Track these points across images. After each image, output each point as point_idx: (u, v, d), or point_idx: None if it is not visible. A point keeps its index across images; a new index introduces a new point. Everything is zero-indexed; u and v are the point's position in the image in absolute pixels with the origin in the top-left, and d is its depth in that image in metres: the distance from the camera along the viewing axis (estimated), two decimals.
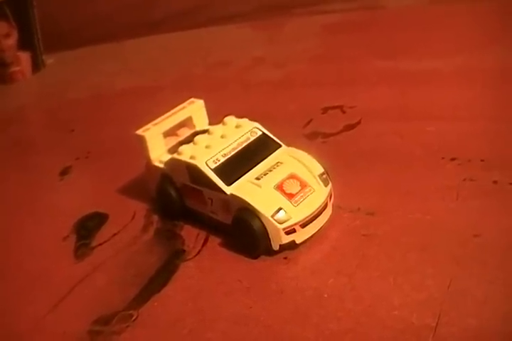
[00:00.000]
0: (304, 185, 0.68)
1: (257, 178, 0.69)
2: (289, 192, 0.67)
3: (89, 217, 0.84)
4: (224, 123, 0.76)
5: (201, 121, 0.82)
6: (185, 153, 0.72)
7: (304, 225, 0.66)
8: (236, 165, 0.70)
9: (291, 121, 0.93)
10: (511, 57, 0.96)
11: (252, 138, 0.73)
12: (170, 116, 0.80)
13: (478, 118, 0.82)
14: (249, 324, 0.60)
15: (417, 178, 0.74)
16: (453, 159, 0.76)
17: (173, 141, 0.80)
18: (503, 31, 1.04)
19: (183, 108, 0.81)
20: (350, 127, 0.89)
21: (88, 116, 1.18)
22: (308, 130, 0.91)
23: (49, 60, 1.51)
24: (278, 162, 0.71)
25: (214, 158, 0.70)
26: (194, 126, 0.82)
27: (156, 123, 0.79)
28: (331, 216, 0.70)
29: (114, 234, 0.79)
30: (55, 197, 0.92)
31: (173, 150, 0.75)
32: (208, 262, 0.70)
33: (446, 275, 0.59)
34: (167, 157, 0.76)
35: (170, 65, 1.32)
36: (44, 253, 0.79)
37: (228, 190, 0.68)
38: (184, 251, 0.72)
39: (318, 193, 0.68)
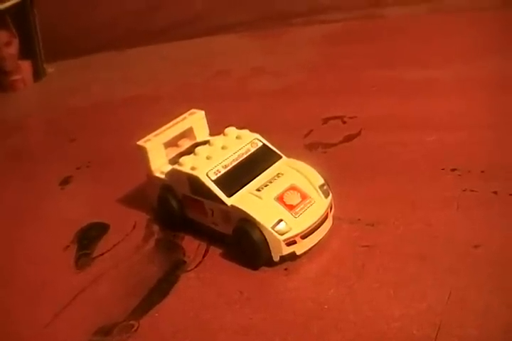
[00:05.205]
0: (304, 197, 0.68)
1: (258, 189, 0.69)
2: (289, 203, 0.67)
3: (90, 226, 0.84)
4: (225, 134, 0.76)
5: (202, 132, 0.83)
6: (186, 164, 0.72)
7: (304, 236, 0.66)
8: (237, 177, 0.70)
9: (291, 131, 0.94)
10: (510, 66, 0.97)
11: (252, 150, 0.73)
12: (171, 126, 0.80)
13: (479, 128, 0.83)
14: (249, 335, 0.60)
15: (417, 189, 0.74)
16: (453, 170, 0.76)
17: (173, 151, 0.80)
18: (502, 40, 1.05)
19: (184, 119, 0.82)
20: (351, 137, 0.89)
21: (89, 125, 1.18)
22: (309, 140, 0.91)
23: (50, 68, 1.52)
24: (278, 173, 0.71)
25: (215, 170, 0.70)
26: (195, 137, 0.82)
27: (156, 134, 0.79)
28: (331, 227, 0.70)
29: (115, 245, 0.79)
30: (55, 207, 0.92)
31: (174, 161, 0.76)
32: (208, 273, 0.70)
33: (447, 285, 0.59)
34: (168, 168, 0.76)
35: (170, 74, 1.32)
36: (45, 263, 0.79)
37: (229, 201, 0.68)
38: (185, 261, 0.72)
39: (319, 204, 0.68)
